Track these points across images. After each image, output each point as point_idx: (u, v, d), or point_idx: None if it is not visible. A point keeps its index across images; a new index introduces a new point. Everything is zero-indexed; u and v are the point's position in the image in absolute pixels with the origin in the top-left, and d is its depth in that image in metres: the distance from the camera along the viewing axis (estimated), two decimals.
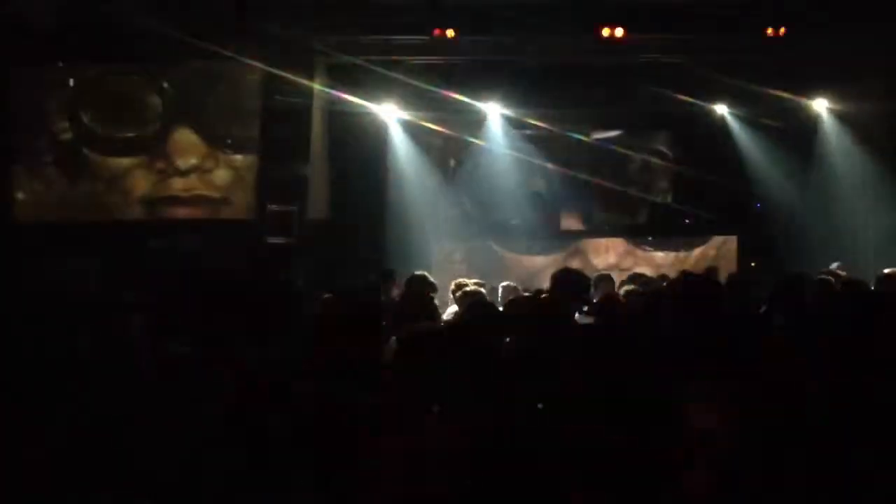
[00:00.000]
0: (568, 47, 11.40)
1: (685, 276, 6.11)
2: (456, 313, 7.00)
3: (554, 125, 12.92)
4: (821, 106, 12.52)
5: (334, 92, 11.83)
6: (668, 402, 3.12)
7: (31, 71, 11.92)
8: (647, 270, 13.22)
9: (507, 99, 12.50)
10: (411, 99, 12.23)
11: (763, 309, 5.95)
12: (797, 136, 12.55)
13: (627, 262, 13.60)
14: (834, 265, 9.70)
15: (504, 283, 9.06)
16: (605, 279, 9.02)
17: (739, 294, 6.53)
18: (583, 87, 12.10)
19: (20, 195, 11.99)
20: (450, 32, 10.80)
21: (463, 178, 13.62)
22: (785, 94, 11.95)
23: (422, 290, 7.37)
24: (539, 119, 12.83)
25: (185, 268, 10.35)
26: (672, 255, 13.61)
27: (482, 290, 7.45)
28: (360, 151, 12.59)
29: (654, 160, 13.89)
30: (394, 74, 11.60)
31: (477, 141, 13.02)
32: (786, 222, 12.57)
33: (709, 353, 3.62)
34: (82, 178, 12.04)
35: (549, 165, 13.55)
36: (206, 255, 10.92)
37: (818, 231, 11.91)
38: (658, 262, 13.55)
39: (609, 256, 13.67)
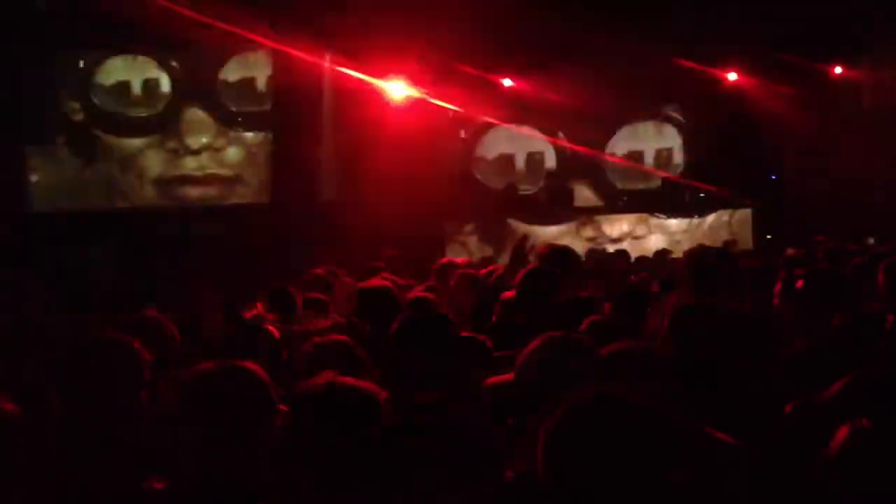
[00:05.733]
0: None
1: None
2: None
3: (566, 93, 12.76)
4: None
5: (342, 69, 11.73)
6: None
7: (42, 52, 11.90)
8: (660, 238, 13.23)
9: (518, 69, 12.36)
10: (420, 74, 12.09)
11: None
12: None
13: (641, 230, 13.55)
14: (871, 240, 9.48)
15: None
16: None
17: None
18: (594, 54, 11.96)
19: (34, 178, 12.03)
20: None
21: (473, 150, 13.54)
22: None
23: None
24: (550, 88, 12.68)
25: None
26: (686, 221, 13.53)
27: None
28: (367, 128, 12.48)
29: (667, 125, 13.76)
30: (403, 50, 11.48)
31: (486, 118, 12.92)
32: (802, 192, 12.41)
33: None
34: (95, 158, 12.07)
35: (561, 134, 13.46)
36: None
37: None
38: (672, 229, 13.49)
39: (622, 225, 13.60)
